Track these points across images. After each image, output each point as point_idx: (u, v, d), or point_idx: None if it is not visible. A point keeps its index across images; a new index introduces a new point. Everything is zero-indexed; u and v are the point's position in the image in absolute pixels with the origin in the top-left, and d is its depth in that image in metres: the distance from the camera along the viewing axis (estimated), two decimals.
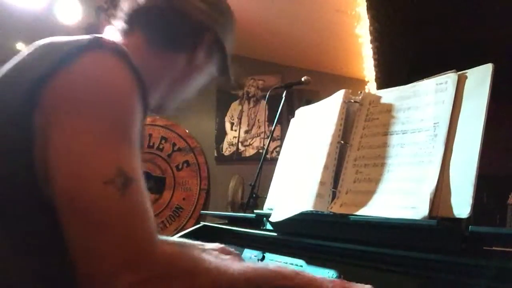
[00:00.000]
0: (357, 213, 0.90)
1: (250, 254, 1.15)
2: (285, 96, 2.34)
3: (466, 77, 0.87)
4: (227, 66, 0.97)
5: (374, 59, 2.38)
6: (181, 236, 1.26)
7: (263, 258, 1.12)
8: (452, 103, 0.86)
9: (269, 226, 1.18)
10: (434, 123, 0.87)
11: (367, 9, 2.06)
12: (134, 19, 0.85)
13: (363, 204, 0.91)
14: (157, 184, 4.14)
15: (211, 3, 0.89)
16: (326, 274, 0.91)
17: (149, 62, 0.82)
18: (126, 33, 0.85)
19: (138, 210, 0.58)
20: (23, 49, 0.72)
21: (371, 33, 2.17)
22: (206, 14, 0.87)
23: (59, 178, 0.57)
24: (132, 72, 0.65)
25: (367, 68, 2.83)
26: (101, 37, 0.67)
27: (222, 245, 1.05)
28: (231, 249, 1.07)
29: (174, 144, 4.33)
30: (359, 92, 1.10)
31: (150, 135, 4.29)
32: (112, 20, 0.88)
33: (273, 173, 1.29)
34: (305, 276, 0.71)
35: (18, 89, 0.62)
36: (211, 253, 0.92)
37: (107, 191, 0.56)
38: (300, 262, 1.01)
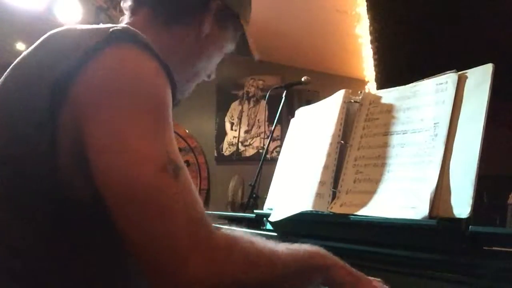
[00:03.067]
0: (357, 213, 0.90)
1: None
2: (285, 96, 2.34)
3: (466, 77, 0.87)
4: (245, 39, 0.92)
5: (374, 59, 2.38)
6: None
7: None
8: (452, 103, 0.86)
9: (269, 226, 1.18)
10: (434, 123, 0.87)
11: (367, 9, 2.06)
12: None
13: (363, 204, 0.91)
14: None
15: None
16: None
17: (159, 39, 0.79)
18: (133, 10, 0.84)
19: (192, 195, 0.59)
20: (23, 49, 0.71)
21: (371, 33, 2.17)
22: None
23: (110, 172, 0.57)
24: (159, 63, 0.64)
25: (367, 68, 2.83)
26: (123, 28, 0.66)
27: None
28: None
29: None
30: (359, 92, 1.10)
31: None
32: (114, 21, 0.86)
33: (273, 173, 1.29)
34: (335, 257, 0.72)
35: (40, 87, 0.61)
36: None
37: (163, 179, 0.56)
38: None
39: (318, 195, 0.98)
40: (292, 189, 1.12)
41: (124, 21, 0.85)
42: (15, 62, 0.70)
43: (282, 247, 0.66)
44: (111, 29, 0.64)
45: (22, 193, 0.62)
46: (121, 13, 0.88)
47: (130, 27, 0.66)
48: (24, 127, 0.61)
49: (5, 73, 0.70)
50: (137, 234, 0.56)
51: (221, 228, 0.65)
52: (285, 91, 2.35)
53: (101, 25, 0.68)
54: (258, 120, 4.34)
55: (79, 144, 0.59)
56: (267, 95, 2.63)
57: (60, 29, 0.70)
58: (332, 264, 0.70)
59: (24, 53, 0.70)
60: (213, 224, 0.60)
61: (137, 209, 0.55)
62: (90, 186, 0.59)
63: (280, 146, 2.01)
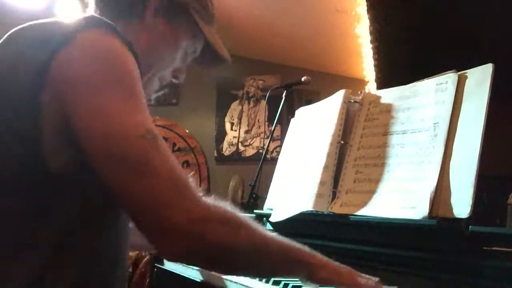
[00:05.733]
0: (357, 213, 0.90)
1: None
2: (285, 96, 2.34)
3: (466, 77, 0.87)
4: (199, 30, 0.89)
5: (374, 59, 2.38)
6: None
7: None
8: (452, 103, 0.86)
9: (269, 226, 1.18)
10: (434, 123, 0.87)
11: (367, 9, 2.06)
12: None
13: (363, 204, 0.91)
14: None
15: None
16: None
17: None
18: (88, 6, 0.86)
19: (173, 160, 0.65)
20: None
21: (371, 33, 2.17)
22: None
23: (97, 143, 0.62)
24: (124, 43, 0.69)
25: (367, 68, 2.83)
26: (90, 16, 0.71)
27: None
28: None
29: (174, 144, 4.32)
30: (359, 92, 1.10)
31: None
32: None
33: (273, 173, 1.29)
34: (324, 258, 0.73)
35: (20, 80, 0.65)
36: None
37: (144, 144, 0.62)
38: None
39: (318, 195, 0.98)
40: (292, 189, 1.12)
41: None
42: None
43: (269, 232, 0.69)
44: (80, 17, 0.69)
45: (7, 172, 0.66)
46: None
47: (96, 15, 0.73)
48: (6, 115, 0.66)
49: None
50: (126, 194, 0.62)
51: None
52: (285, 91, 2.35)
53: (68, 17, 0.72)
54: (258, 120, 4.34)
55: (64, 122, 0.64)
56: (267, 95, 2.63)
57: (25, 24, 0.73)
58: (315, 262, 0.71)
59: None
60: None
61: (125, 169, 0.61)
62: (76, 158, 0.65)
63: (280, 146, 2.01)
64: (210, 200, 0.65)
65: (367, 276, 0.74)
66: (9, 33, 0.73)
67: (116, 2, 0.84)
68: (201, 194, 0.64)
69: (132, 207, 0.63)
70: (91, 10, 0.86)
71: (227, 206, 0.66)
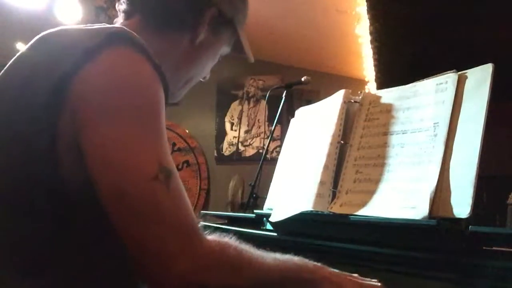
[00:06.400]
0: (357, 213, 0.90)
1: None
2: (285, 96, 2.34)
3: (466, 77, 0.87)
4: (240, 43, 0.91)
5: (374, 59, 2.38)
6: None
7: None
8: (452, 103, 0.86)
9: (269, 226, 1.18)
10: (434, 123, 0.87)
11: (367, 9, 2.06)
12: (133, 0, 0.83)
13: (363, 204, 0.91)
14: None
15: None
16: None
17: (151, 43, 0.77)
18: (127, 14, 0.83)
19: (183, 202, 0.62)
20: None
21: (371, 33, 2.17)
22: None
23: (105, 178, 0.59)
24: (153, 65, 0.65)
25: (367, 68, 2.83)
26: (120, 29, 0.67)
27: None
28: None
29: (174, 144, 4.33)
30: (359, 92, 1.10)
31: None
32: (114, 21, 0.85)
33: (273, 173, 1.29)
34: (326, 270, 0.72)
35: (39, 89, 0.62)
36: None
37: (155, 188, 0.59)
38: None
39: (318, 195, 0.98)
40: (292, 189, 1.12)
41: (118, 23, 0.84)
42: (9, 63, 0.70)
43: (270, 258, 0.68)
44: (108, 31, 0.65)
45: (23, 190, 0.62)
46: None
47: (126, 29, 0.67)
48: (22, 126, 0.62)
49: (0, 73, 0.70)
50: (130, 237, 0.59)
51: (213, 232, 0.66)
52: (285, 91, 2.35)
53: (97, 26, 0.68)
54: (258, 120, 4.34)
55: (77, 145, 0.61)
56: (267, 95, 2.63)
57: (54, 29, 0.70)
58: (320, 278, 0.70)
59: (19, 53, 0.70)
60: (204, 230, 0.63)
61: (129, 215, 0.58)
62: (88, 183, 0.60)
63: (280, 146, 2.01)
64: (213, 240, 0.63)
65: (369, 281, 0.74)
66: (38, 36, 0.70)
67: (168, 14, 0.80)
68: (205, 235, 0.62)
69: (136, 252, 0.60)
70: (129, 13, 0.82)
71: (229, 241, 0.65)
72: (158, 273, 0.59)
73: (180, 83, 0.88)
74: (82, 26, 0.69)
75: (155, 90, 0.64)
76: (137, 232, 0.59)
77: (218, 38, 0.88)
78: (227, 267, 0.62)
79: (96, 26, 0.68)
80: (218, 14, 0.84)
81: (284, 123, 3.49)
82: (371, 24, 2.10)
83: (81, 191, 0.62)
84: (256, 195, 2.20)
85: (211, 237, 0.64)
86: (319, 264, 0.73)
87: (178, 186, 0.62)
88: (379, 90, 1.07)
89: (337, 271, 0.73)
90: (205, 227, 1.46)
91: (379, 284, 0.74)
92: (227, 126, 4.46)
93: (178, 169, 4.17)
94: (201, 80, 0.94)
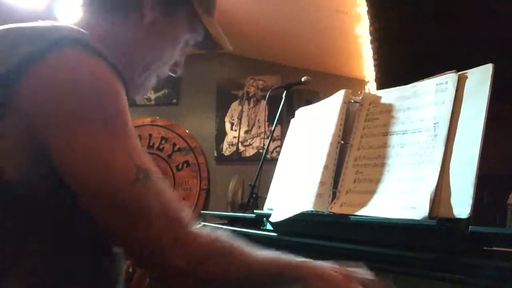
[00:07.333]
0: (357, 213, 0.90)
1: None
2: (285, 96, 2.34)
3: (466, 77, 0.87)
4: (201, 26, 0.83)
5: (374, 59, 2.38)
6: None
7: None
8: (452, 103, 0.86)
9: (269, 226, 1.18)
10: (434, 123, 0.87)
11: (367, 9, 2.06)
12: None
13: (363, 204, 0.91)
14: None
15: None
16: None
17: (103, 30, 0.76)
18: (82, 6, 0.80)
19: (167, 197, 0.64)
20: None
21: (371, 33, 2.17)
22: None
23: (87, 187, 0.61)
24: (109, 65, 0.64)
25: (367, 68, 2.83)
26: (67, 30, 0.65)
27: None
28: None
29: (174, 144, 4.33)
30: (359, 92, 1.10)
31: (150, 135, 4.28)
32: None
33: (273, 173, 1.29)
34: (312, 265, 0.73)
35: None
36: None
37: (138, 189, 0.61)
38: None
39: (318, 195, 0.98)
40: (292, 189, 1.12)
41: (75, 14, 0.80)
42: None
43: (259, 253, 0.69)
44: (52, 36, 0.63)
45: None
46: None
47: (74, 27, 0.67)
48: None
49: None
50: (124, 238, 0.63)
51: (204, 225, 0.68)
52: (285, 91, 2.35)
53: (45, 25, 0.66)
54: (258, 120, 4.34)
55: (33, 145, 0.60)
56: (267, 95, 2.63)
57: (11, 25, 0.67)
58: (307, 273, 0.70)
59: None
60: (194, 222, 0.65)
61: (119, 219, 0.61)
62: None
63: (280, 146, 2.01)
64: (204, 233, 0.65)
65: (361, 272, 0.73)
66: None
67: None
68: (193, 225, 0.65)
69: (129, 251, 0.64)
70: (79, 5, 0.79)
71: (220, 235, 0.67)
72: (156, 267, 0.63)
73: (137, 71, 0.82)
74: (25, 25, 0.66)
75: (116, 92, 0.64)
76: (130, 233, 0.61)
77: (172, 20, 0.82)
78: (218, 259, 0.64)
79: (44, 24, 0.66)
80: None
81: (284, 123, 3.49)
82: (371, 24, 2.10)
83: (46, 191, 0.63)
84: (256, 195, 2.20)
85: (203, 230, 0.66)
86: (306, 259, 0.74)
87: (158, 183, 0.64)
88: (379, 90, 1.07)
89: (322, 263, 0.73)
90: (205, 227, 1.46)
91: (372, 277, 0.73)
92: (227, 126, 4.46)
93: (178, 169, 4.13)
94: (173, 75, 0.90)
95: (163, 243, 0.61)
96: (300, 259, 0.73)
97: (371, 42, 2.26)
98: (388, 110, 1.00)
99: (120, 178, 0.60)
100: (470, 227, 0.73)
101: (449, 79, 0.89)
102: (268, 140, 2.40)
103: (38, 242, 0.64)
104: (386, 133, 0.97)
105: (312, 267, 0.71)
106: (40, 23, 0.67)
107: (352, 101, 1.08)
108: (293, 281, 0.69)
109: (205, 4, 0.84)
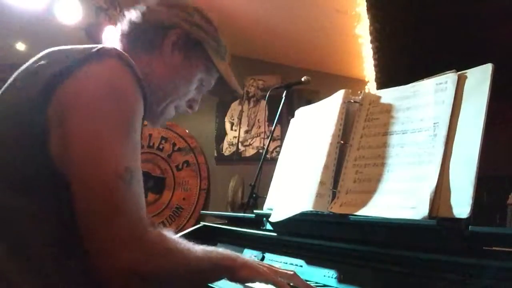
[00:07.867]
0: (357, 213, 0.90)
1: (250, 254, 1.15)
2: (285, 96, 2.34)
3: (466, 77, 0.87)
4: (215, 67, 0.98)
5: (374, 59, 2.38)
6: (181, 236, 1.26)
7: (263, 259, 1.12)
8: (452, 103, 0.86)
9: (269, 226, 1.18)
10: (434, 123, 0.87)
11: (367, 9, 2.06)
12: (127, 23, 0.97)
13: (363, 204, 0.91)
14: (157, 184, 4.13)
15: (171, 5, 0.96)
16: (325, 274, 0.92)
17: (134, 61, 0.87)
18: (120, 35, 0.96)
19: (138, 199, 0.71)
20: (23, 49, 0.77)
21: (371, 33, 2.17)
22: (165, 14, 0.95)
23: (77, 167, 0.69)
24: (136, 78, 0.75)
25: (367, 68, 2.83)
26: (109, 47, 0.77)
27: None
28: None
29: (174, 144, 4.32)
30: (359, 92, 1.10)
31: (150, 135, 4.28)
32: (114, 21, 0.93)
33: (273, 173, 1.29)
34: (244, 258, 0.83)
35: (34, 89, 0.72)
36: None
37: (118, 184, 0.68)
38: (300, 262, 1.01)
39: (318, 195, 0.98)
40: (292, 189, 1.12)
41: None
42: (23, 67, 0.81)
43: (200, 248, 0.78)
44: (98, 47, 0.75)
45: (16, 172, 0.71)
46: (121, 13, 0.91)
47: (116, 48, 0.78)
48: (23, 113, 0.73)
49: (14, 74, 0.82)
50: (87, 221, 0.68)
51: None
52: (285, 91, 2.34)
53: (93, 45, 0.78)
54: (258, 120, 4.34)
55: (61, 140, 0.70)
56: (267, 95, 2.62)
57: (56, 48, 0.81)
58: (239, 264, 0.80)
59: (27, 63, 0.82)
60: (154, 225, 0.73)
61: (92, 203, 0.68)
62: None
63: (280, 146, 2.01)
64: (156, 233, 0.72)
65: (284, 270, 0.84)
66: (46, 51, 0.80)
67: (138, 37, 0.93)
68: (152, 228, 0.71)
69: (89, 237, 0.68)
70: (116, 44, 0.93)
71: (168, 234, 0.74)
72: (110, 258, 0.67)
73: (155, 101, 0.94)
74: (76, 46, 0.79)
75: (134, 99, 0.74)
76: (95, 218, 0.67)
77: (189, 61, 0.96)
78: (166, 256, 0.72)
79: (90, 46, 0.78)
80: (184, 35, 0.94)
81: (284, 123, 3.48)
82: (371, 24, 2.10)
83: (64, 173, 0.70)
84: (256, 195, 2.20)
85: (156, 230, 0.73)
86: (239, 254, 0.84)
87: (137, 186, 0.72)
88: (379, 90, 1.07)
89: (254, 259, 0.84)
90: (205, 227, 1.47)
91: (292, 272, 0.84)
92: (227, 126, 4.46)
93: (178, 169, 4.11)
94: (188, 110, 1.03)
95: (121, 235, 0.67)
96: (232, 253, 0.82)
97: (371, 42, 2.26)
98: (388, 110, 1.00)
99: (108, 169, 0.68)
100: (470, 227, 0.73)
101: (448, 79, 0.89)
102: (268, 140, 2.40)
103: (49, 245, 0.69)
104: (386, 133, 0.97)
105: (235, 258, 0.81)
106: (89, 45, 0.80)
107: (352, 101, 1.09)
108: (225, 272, 0.80)
109: (218, 50, 0.99)
